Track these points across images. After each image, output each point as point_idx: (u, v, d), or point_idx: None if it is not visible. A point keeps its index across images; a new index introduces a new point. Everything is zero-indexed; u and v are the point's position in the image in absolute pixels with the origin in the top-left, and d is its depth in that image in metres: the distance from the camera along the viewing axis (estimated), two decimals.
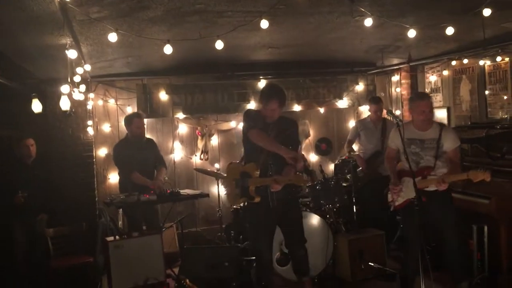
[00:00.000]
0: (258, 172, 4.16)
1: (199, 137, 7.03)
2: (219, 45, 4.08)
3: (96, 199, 6.42)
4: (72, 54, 3.91)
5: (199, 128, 7.03)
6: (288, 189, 4.24)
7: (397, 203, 4.47)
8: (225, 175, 4.55)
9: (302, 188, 6.08)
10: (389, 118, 6.39)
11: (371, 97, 6.65)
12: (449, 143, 4.28)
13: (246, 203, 4.41)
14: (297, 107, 7.35)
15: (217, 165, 7.12)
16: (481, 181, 4.39)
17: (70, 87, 4.61)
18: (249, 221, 4.54)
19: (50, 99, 6.10)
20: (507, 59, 5.70)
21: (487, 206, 4.72)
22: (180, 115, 6.90)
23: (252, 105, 7.07)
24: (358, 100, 7.59)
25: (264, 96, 4.27)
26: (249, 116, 4.34)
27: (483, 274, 4.78)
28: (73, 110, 6.11)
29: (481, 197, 4.80)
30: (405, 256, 4.63)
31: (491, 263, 4.80)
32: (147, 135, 6.17)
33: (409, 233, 4.46)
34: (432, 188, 4.26)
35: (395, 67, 7.28)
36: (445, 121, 6.75)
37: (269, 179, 4.09)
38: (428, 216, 4.31)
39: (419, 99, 4.39)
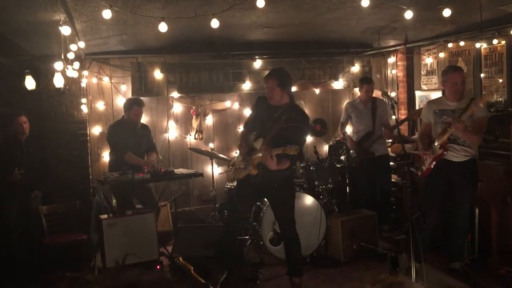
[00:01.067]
0: (263, 148, 4.10)
1: (194, 117, 7.01)
2: (215, 23, 4.05)
3: (90, 177, 6.42)
4: (65, 30, 3.87)
5: (194, 107, 7.01)
6: (274, 174, 4.18)
7: (420, 172, 4.66)
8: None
9: (296, 169, 6.11)
10: (384, 99, 6.42)
11: (362, 77, 6.70)
12: (478, 112, 4.42)
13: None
14: (292, 88, 7.31)
15: (211, 145, 7.12)
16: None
17: (64, 64, 4.57)
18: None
19: (43, 76, 6.05)
20: (503, 42, 5.68)
21: (479, 188, 4.76)
22: (175, 94, 6.87)
23: (247, 85, 7.05)
24: (353, 82, 7.57)
25: (264, 78, 4.31)
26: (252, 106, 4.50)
27: (473, 255, 4.86)
28: (67, 87, 6.06)
29: None
30: (419, 232, 4.67)
31: (481, 244, 4.87)
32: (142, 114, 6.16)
33: (429, 204, 4.64)
34: (459, 159, 4.48)
35: (391, 49, 7.25)
36: None
37: (262, 150, 4.05)
38: (450, 187, 4.59)
39: (452, 71, 4.61)
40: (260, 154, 4.08)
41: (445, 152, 4.48)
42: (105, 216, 5.14)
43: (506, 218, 4.79)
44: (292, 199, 4.50)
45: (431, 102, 4.87)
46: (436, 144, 4.54)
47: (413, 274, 4.03)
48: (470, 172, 4.54)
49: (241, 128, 7.17)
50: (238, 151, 4.70)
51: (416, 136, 6.32)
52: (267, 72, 7.00)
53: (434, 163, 4.55)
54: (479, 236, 4.87)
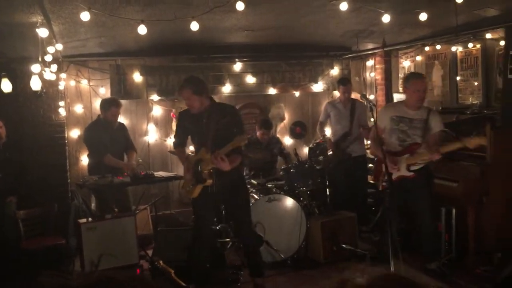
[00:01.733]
0: (209, 155, 4.11)
1: (174, 119, 6.98)
2: (195, 26, 4.06)
3: (69, 181, 6.34)
4: (43, 32, 3.83)
5: (174, 110, 6.98)
6: (228, 177, 4.22)
7: (384, 184, 4.57)
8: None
9: (244, 171, 6.12)
10: (362, 101, 6.50)
11: (340, 79, 6.83)
12: (436, 126, 4.46)
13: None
14: (272, 91, 7.36)
15: (192, 148, 7.09)
16: (450, 164, 4.54)
17: (41, 66, 4.52)
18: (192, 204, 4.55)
19: (20, 79, 5.94)
20: (478, 45, 5.80)
21: (455, 189, 4.85)
22: (155, 97, 6.83)
23: (227, 87, 7.05)
24: (333, 84, 7.63)
25: (178, 90, 4.29)
26: (176, 123, 4.56)
27: (450, 255, 4.93)
28: (44, 90, 5.98)
29: (450, 180, 4.93)
30: (382, 235, 4.74)
31: (458, 244, 4.96)
32: (121, 117, 6.12)
33: (389, 212, 4.56)
34: (415, 167, 4.45)
35: (369, 52, 7.34)
36: None
37: (212, 158, 4.02)
38: (408, 195, 4.52)
39: (415, 78, 4.55)
40: (209, 163, 4.09)
41: (414, 175, 4.42)
42: (84, 220, 5.08)
43: (482, 219, 4.88)
44: (248, 199, 4.56)
45: (389, 107, 4.81)
46: (403, 164, 4.42)
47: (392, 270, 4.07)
48: (426, 178, 4.56)
49: None
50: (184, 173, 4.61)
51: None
52: (247, 75, 7.14)
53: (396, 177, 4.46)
54: (456, 236, 4.96)
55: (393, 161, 4.42)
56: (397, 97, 7.34)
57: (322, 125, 6.66)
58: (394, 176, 4.48)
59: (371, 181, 6.62)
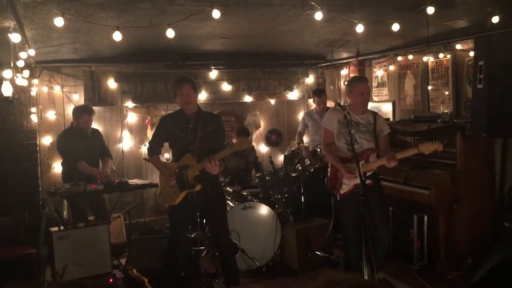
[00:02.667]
0: (195, 161, 4.14)
1: (149, 127, 6.94)
2: (170, 33, 4.06)
3: (40, 188, 6.22)
4: (15, 38, 3.77)
5: (148, 117, 6.94)
6: (210, 184, 4.24)
7: (342, 191, 4.40)
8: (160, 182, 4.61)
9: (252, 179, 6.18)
10: None
11: (314, 90, 6.99)
12: (384, 128, 4.44)
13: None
14: (248, 98, 7.39)
15: (166, 155, 7.05)
16: (422, 172, 4.57)
17: (13, 72, 4.43)
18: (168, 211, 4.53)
19: None
20: (449, 56, 5.94)
21: (427, 196, 4.93)
22: (129, 104, 6.78)
23: (203, 95, 7.05)
24: (308, 93, 7.72)
25: (175, 84, 4.33)
26: (156, 127, 4.53)
27: (422, 261, 5.01)
28: (16, 96, 5.86)
29: (422, 187, 5.02)
30: (347, 245, 4.73)
31: (430, 250, 5.04)
32: (95, 123, 6.05)
33: (352, 221, 4.42)
34: (369, 173, 4.37)
35: (344, 61, 7.45)
36: (390, 115, 6.99)
37: (205, 161, 4.02)
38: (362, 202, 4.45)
39: (358, 81, 4.51)
40: (196, 169, 4.13)
41: (372, 182, 4.29)
42: (56, 228, 4.99)
43: (453, 225, 4.98)
44: (226, 207, 4.64)
45: (336, 110, 4.50)
46: (362, 170, 4.12)
47: (365, 277, 4.10)
48: (378, 185, 4.48)
49: None
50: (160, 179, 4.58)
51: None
52: (223, 82, 7.16)
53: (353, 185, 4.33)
54: (428, 242, 5.04)
55: (349, 169, 4.24)
56: (371, 105, 7.40)
57: (301, 135, 6.85)
58: (350, 185, 4.34)
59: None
